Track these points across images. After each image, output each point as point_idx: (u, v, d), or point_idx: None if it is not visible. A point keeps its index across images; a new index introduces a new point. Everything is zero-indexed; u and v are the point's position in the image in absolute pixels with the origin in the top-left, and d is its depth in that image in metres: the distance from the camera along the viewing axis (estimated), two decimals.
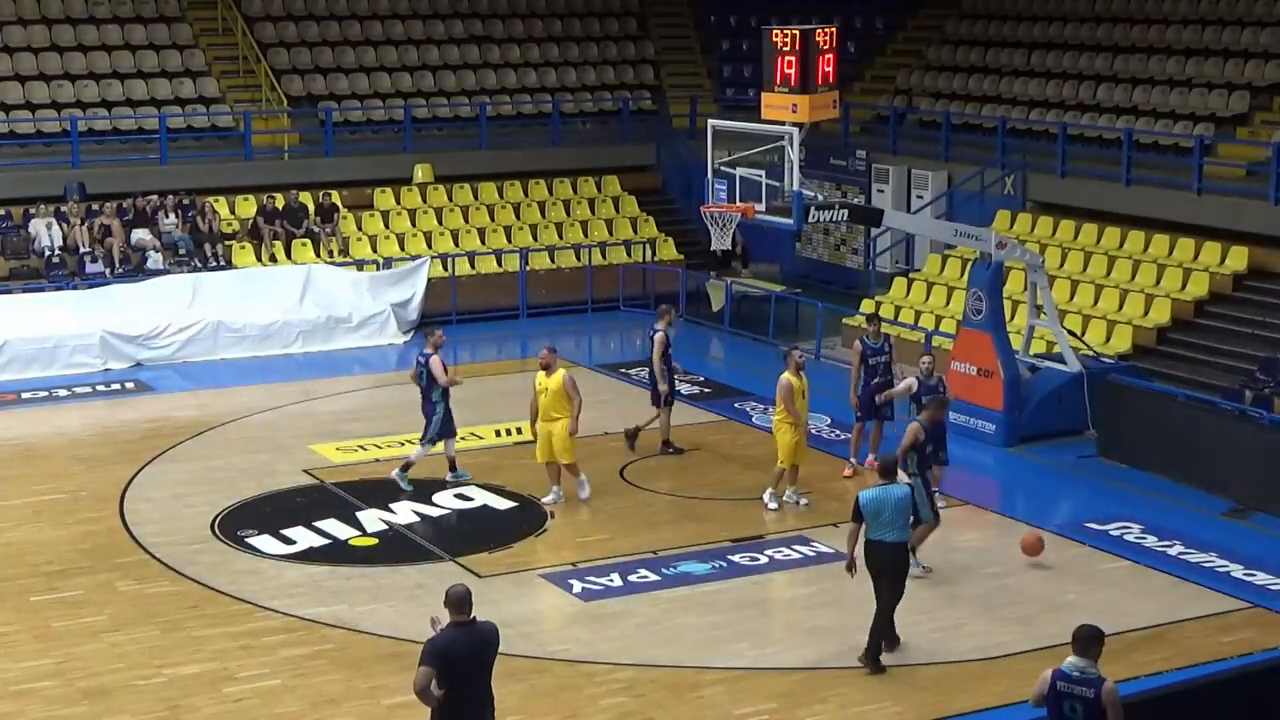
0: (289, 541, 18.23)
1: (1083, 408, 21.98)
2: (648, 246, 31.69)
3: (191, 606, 16.45)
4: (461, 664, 11.12)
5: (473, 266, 30.48)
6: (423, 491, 19.80)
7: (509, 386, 25.64)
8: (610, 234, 32.19)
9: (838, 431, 22.08)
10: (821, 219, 21.49)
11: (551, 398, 18.99)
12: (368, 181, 31.54)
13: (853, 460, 20.69)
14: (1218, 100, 28.03)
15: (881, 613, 15.07)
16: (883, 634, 15.11)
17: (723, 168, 20.97)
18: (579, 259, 31.12)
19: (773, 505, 19.24)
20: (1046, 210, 28.39)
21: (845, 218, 22.49)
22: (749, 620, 16.22)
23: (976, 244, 22.72)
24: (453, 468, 20.26)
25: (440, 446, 20.13)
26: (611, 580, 17.15)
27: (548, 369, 19.05)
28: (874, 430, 20.73)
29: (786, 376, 19.00)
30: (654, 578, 17.21)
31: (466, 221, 31.64)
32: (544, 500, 19.37)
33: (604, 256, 31.46)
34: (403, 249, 30.43)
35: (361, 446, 21.86)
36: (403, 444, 21.78)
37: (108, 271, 28.15)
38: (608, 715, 14.18)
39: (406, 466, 19.98)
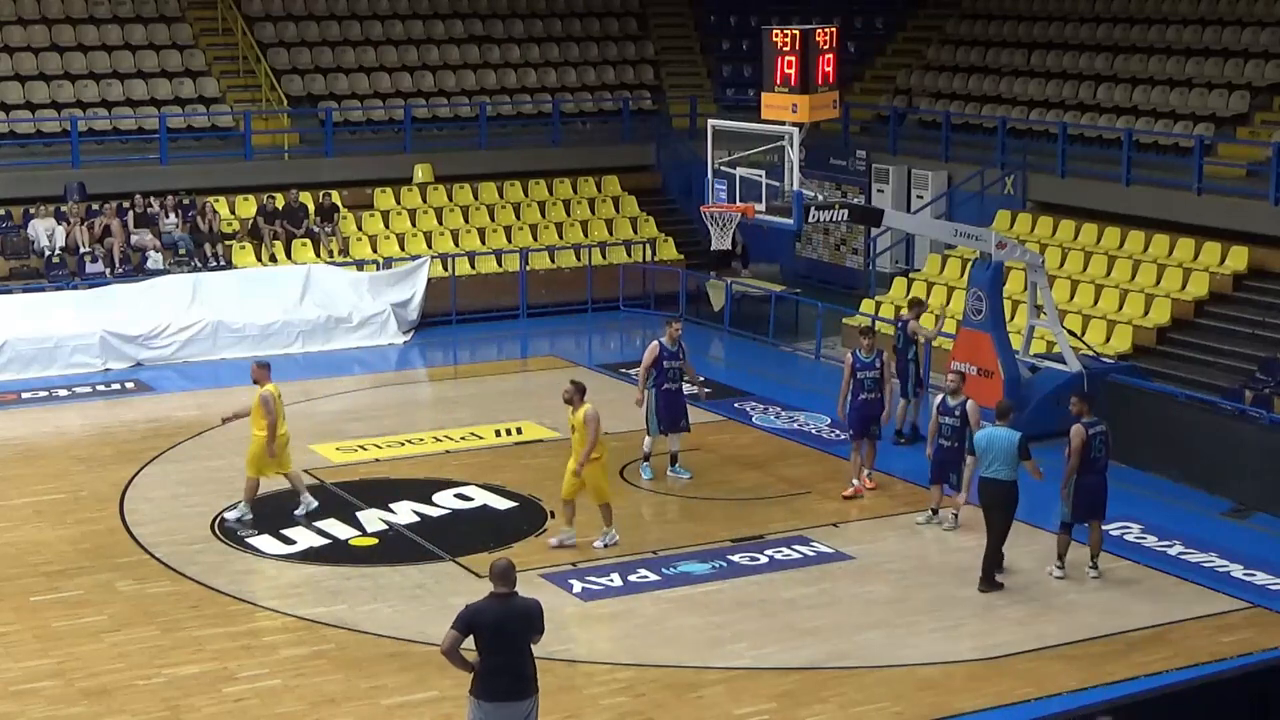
0: (289, 541, 18.23)
1: None
2: (648, 246, 31.69)
3: (191, 606, 16.45)
4: (489, 633, 11.50)
5: (473, 266, 30.48)
6: (423, 491, 19.81)
7: (509, 386, 25.70)
8: (610, 234, 32.19)
9: (837, 431, 22.06)
10: (821, 219, 21.46)
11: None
12: (368, 181, 31.54)
13: (855, 481, 19.89)
14: (1218, 100, 28.03)
15: (992, 545, 16.91)
16: (994, 562, 16.90)
17: (723, 168, 20.97)
18: (579, 259, 31.12)
19: (600, 543, 17.96)
20: (1046, 210, 28.40)
21: (845, 218, 22.48)
22: (749, 620, 16.21)
23: (976, 244, 22.73)
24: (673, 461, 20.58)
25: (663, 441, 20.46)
26: (611, 580, 17.15)
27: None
28: (867, 450, 19.90)
29: (593, 409, 17.63)
30: (654, 578, 17.21)
31: (466, 221, 31.64)
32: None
33: (604, 256, 31.46)
34: (403, 249, 30.43)
35: (361, 446, 21.86)
36: (403, 444, 21.82)
37: (108, 271, 28.15)
38: (608, 715, 14.18)
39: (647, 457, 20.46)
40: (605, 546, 17.88)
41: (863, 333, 20.62)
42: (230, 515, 18.79)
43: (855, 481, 19.91)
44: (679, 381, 20.51)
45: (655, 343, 20.53)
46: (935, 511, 18.92)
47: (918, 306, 23.01)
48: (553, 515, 19.10)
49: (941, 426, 18.50)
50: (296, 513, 18.87)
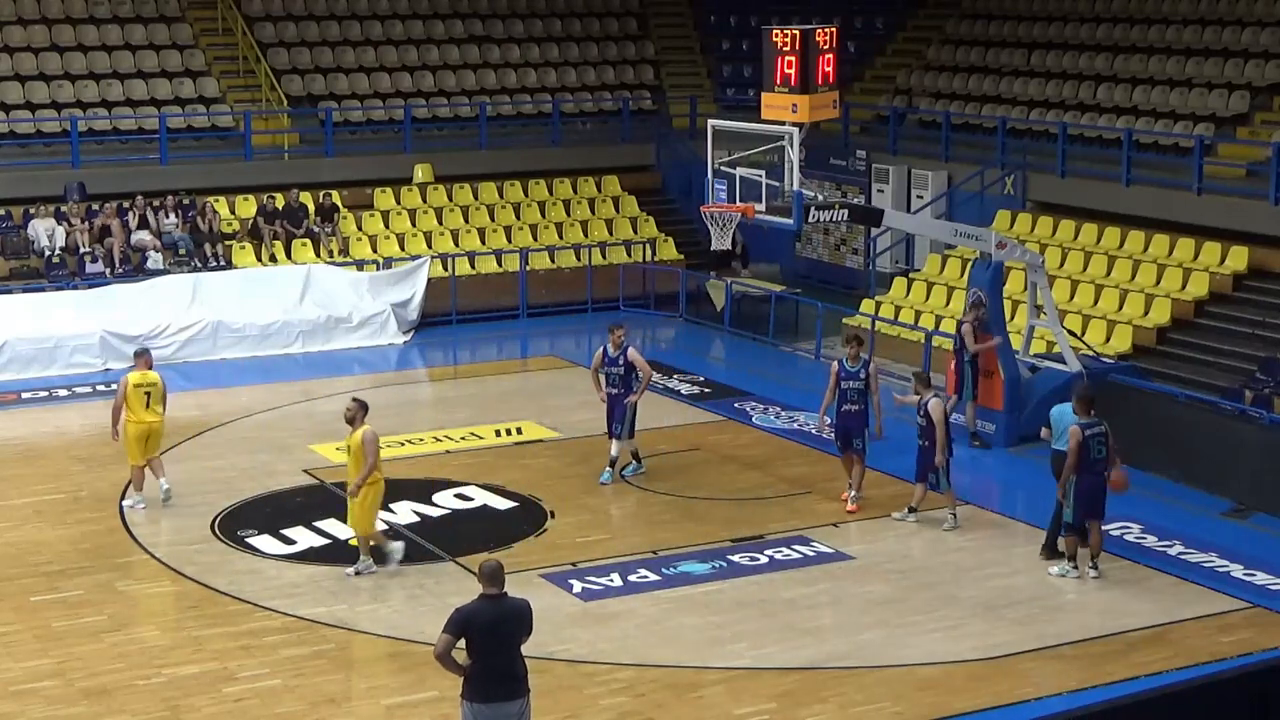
0: (289, 541, 18.23)
1: None
2: (648, 246, 31.69)
3: (191, 606, 16.45)
4: (483, 635, 11.48)
5: (473, 266, 30.48)
6: (423, 491, 19.81)
7: (509, 386, 25.69)
8: (610, 234, 32.19)
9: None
10: (821, 219, 21.45)
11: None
12: (368, 181, 31.55)
13: (851, 492, 19.40)
14: (1218, 100, 28.03)
15: (1059, 515, 17.51)
16: (1055, 534, 17.65)
17: (723, 168, 20.96)
18: (579, 259, 31.12)
19: (351, 571, 17.16)
20: (1046, 210, 28.40)
21: (845, 218, 22.47)
22: (749, 620, 16.21)
23: (976, 244, 22.73)
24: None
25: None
26: (611, 580, 17.15)
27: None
28: (855, 469, 19.31)
29: (372, 431, 16.77)
30: (654, 578, 17.21)
31: (466, 221, 31.64)
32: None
33: (604, 256, 31.46)
34: (403, 249, 30.43)
35: None
36: (403, 444, 21.80)
37: (108, 271, 28.15)
38: (608, 715, 14.18)
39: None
40: (357, 574, 16.99)
41: (848, 340, 19.92)
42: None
43: (853, 492, 19.43)
44: (618, 387, 20.13)
45: (602, 348, 20.41)
46: (913, 509, 18.93)
47: (977, 309, 22.11)
48: (553, 515, 19.11)
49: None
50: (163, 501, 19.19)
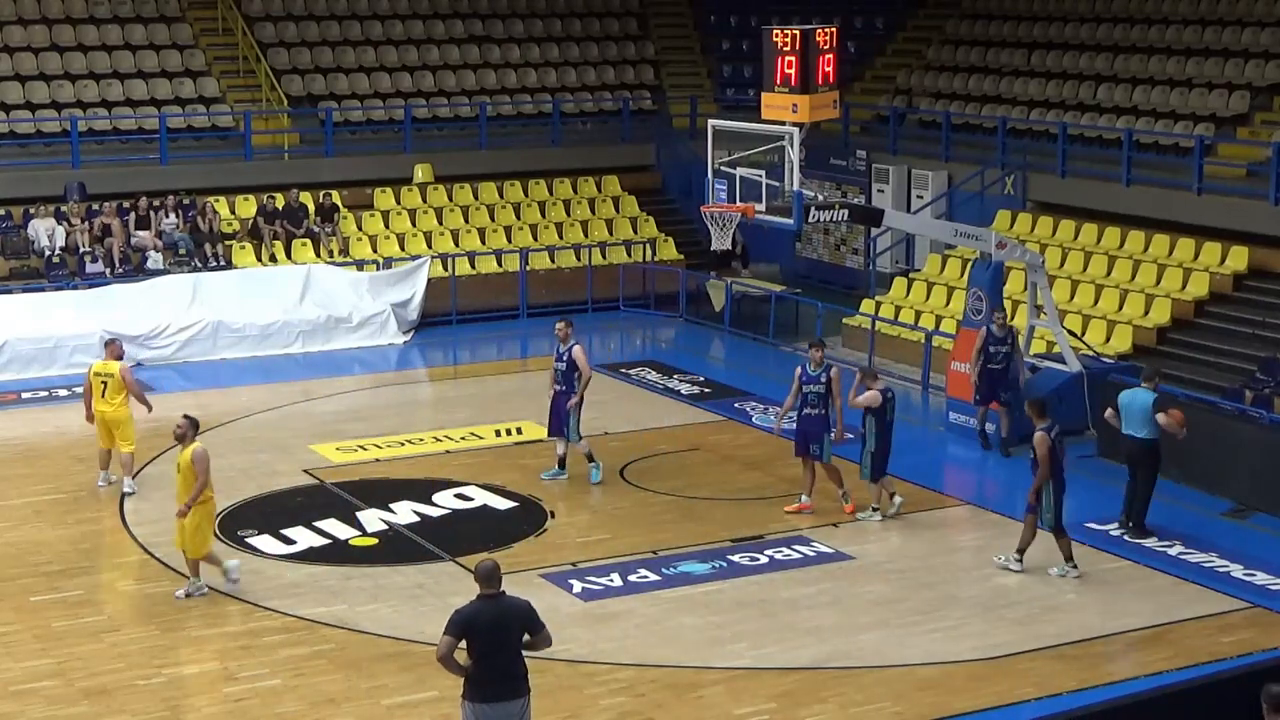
0: (289, 541, 18.24)
1: (1083, 408, 21.97)
2: (648, 246, 31.69)
3: (192, 606, 16.44)
4: (484, 635, 11.48)
5: (473, 266, 30.49)
6: (423, 491, 19.81)
7: (509, 386, 25.69)
8: (610, 234, 32.20)
9: (849, 435, 22.00)
10: (821, 219, 21.46)
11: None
12: (368, 181, 31.55)
13: (803, 497, 19.21)
14: (1218, 100, 28.03)
15: (1140, 496, 18.37)
16: (1142, 512, 18.36)
17: (723, 168, 20.96)
18: (579, 259, 31.12)
19: (181, 593, 16.63)
20: (1046, 210, 28.39)
21: (845, 218, 22.48)
22: (749, 620, 16.21)
23: (976, 244, 22.73)
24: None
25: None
26: (611, 580, 17.15)
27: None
28: (811, 473, 19.11)
29: (203, 448, 16.42)
30: (654, 578, 17.21)
31: (466, 221, 31.65)
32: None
33: (604, 256, 31.47)
34: (403, 249, 30.43)
35: (361, 446, 21.86)
36: (403, 444, 21.82)
37: (108, 271, 28.15)
38: (608, 715, 14.18)
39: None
40: (187, 596, 16.49)
41: (813, 345, 19.64)
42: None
43: (803, 498, 19.20)
44: (562, 384, 20.05)
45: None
46: (875, 509, 19.01)
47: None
48: (553, 515, 19.12)
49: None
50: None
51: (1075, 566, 17.30)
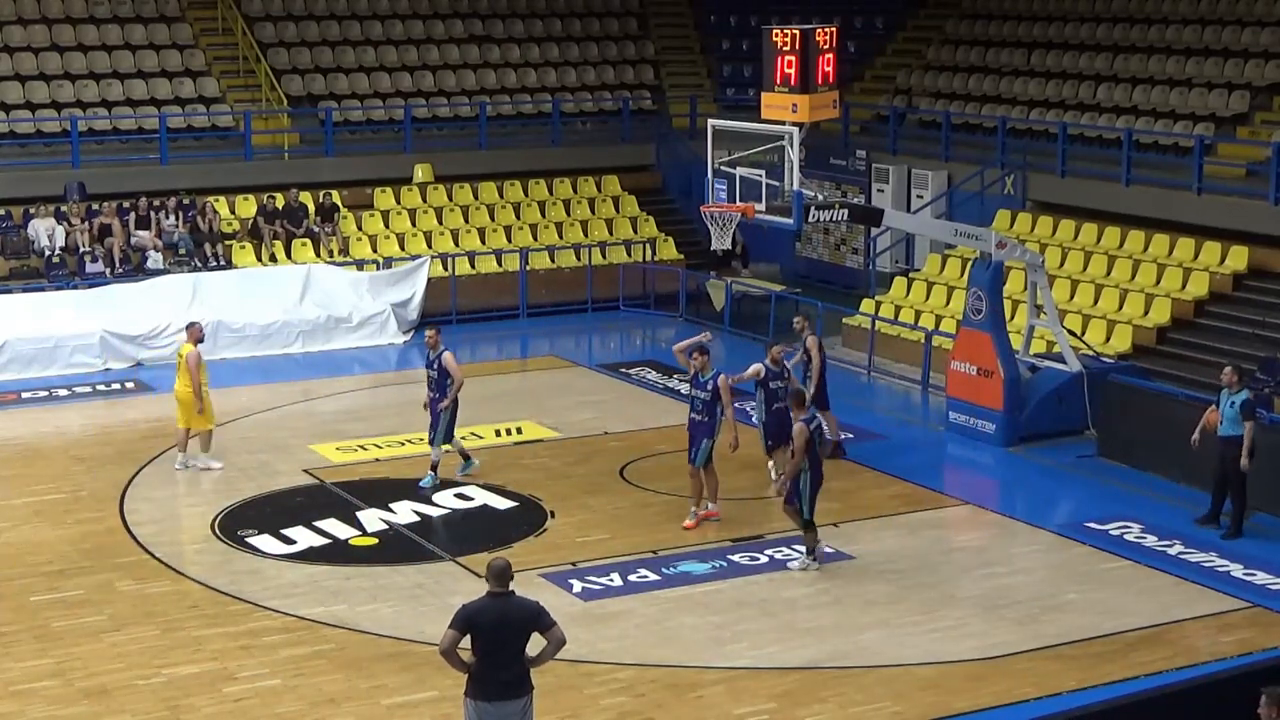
0: (289, 541, 18.24)
1: (1083, 408, 21.98)
2: (648, 246, 31.69)
3: (191, 606, 16.45)
4: (487, 633, 11.47)
5: (473, 266, 30.49)
6: (423, 491, 19.80)
7: (509, 386, 25.69)
8: (610, 234, 32.20)
9: (848, 434, 22.02)
10: (821, 219, 21.46)
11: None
12: (368, 181, 31.55)
13: (694, 510, 18.72)
14: (1218, 100, 28.03)
15: (1235, 497, 18.64)
16: (1239, 513, 18.64)
17: (723, 168, 20.96)
18: (579, 259, 31.12)
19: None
20: (1046, 210, 28.39)
21: (845, 218, 22.47)
22: (749, 620, 16.21)
23: (976, 244, 22.72)
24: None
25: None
26: (611, 580, 17.15)
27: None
28: (695, 479, 18.69)
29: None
30: (654, 578, 17.21)
31: (466, 221, 31.65)
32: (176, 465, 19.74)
33: (604, 256, 31.47)
34: (403, 249, 30.43)
35: (361, 446, 21.87)
36: (403, 444, 21.82)
37: (108, 271, 28.16)
38: (608, 715, 14.18)
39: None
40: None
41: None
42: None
43: (695, 510, 18.71)
44: (434, 390, 19.95)
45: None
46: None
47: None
48: (553, 515, 19.11)
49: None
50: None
51: (816, 560, 17.22)
